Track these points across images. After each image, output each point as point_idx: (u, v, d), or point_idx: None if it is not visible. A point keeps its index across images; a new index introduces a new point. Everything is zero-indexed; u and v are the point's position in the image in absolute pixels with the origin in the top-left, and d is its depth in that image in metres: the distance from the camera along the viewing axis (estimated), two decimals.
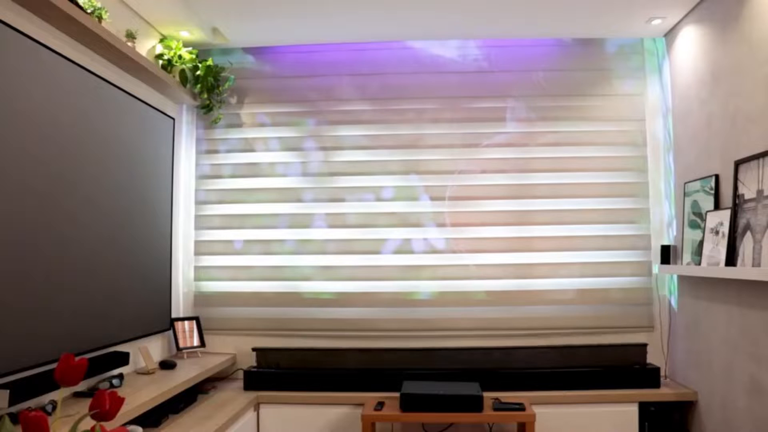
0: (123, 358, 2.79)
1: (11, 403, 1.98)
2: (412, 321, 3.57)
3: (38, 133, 2.29)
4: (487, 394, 3.11)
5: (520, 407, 2.94)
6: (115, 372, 2.79)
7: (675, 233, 3.46)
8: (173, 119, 3.56)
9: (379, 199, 3.71)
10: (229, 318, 3.75)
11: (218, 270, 3.78)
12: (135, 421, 2.38)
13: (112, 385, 2.64)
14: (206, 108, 3.68)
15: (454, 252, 3.65)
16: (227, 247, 3.78)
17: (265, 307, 3.69)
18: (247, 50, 3.82)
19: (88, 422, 1.22)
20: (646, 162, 3.65)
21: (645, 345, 3.35)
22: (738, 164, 2.71)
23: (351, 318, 3.59)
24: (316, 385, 3.32)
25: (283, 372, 3.34)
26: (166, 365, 3.17)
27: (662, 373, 3.42)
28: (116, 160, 2.88)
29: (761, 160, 2.53)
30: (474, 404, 2.93)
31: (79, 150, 2.57)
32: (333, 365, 3.39)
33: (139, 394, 2.55)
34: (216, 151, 3.83)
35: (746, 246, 2.59)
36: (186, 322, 3.57)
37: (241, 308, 3.74)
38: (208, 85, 3.57)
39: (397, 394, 3.11)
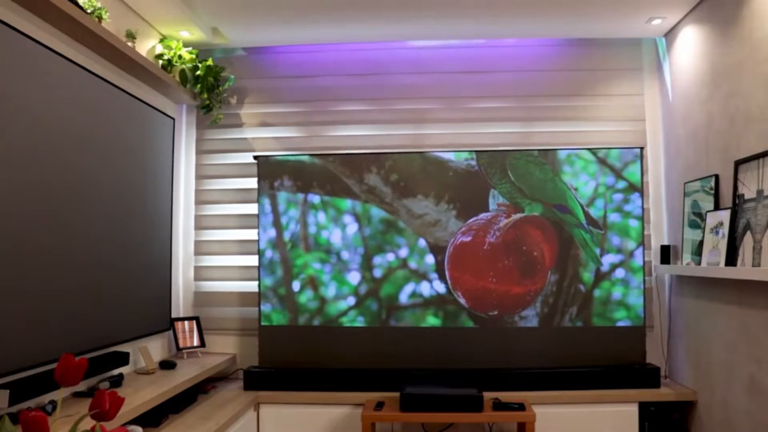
0: (123, 358, 2.79)
1: (11, 403, 1.98)
2: None
3: (38, 133, 2.29)
4: (487, 394, 3.11)
5: (520, 407, 2.94)
6: (115, 372, 2.78)
7: (675, 233, 3.46)
8: (173, 119, 3.56)
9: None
10: (229, 318, 3.75)
11: (218, 270, 3.78)
12: (135, 421, 2.38)
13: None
14: (206, 108, 3.67)
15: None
16: (227, 247, 3.78)
17: None
18: (247, 50, 3.82)
19: (88, 422, 1.22)
20: (647, 162, 3.65)
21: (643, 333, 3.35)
22: (738, 164, 2.71)
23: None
24: (316, 385, 3.32)
25: (283, 371, 3.35)
26: (166, 365, 3.17)
27: (662, 373, 3.42)
28: (116, 160, 2.88)
29: (761, 160, 2.53)
30: (474, 404, 2.93)
31: (79, 150, 2.57)
32: (333, 364, 3.40)
33: (139, 394, 2.55)
34: (216, 151, 3.83)
35: (746, 246, 2.59)
36: (186, 322, 3.57)
37: (241, 308, 3.74)
38: (208, 85, 3.57)
39: (397, 394, 3.11)
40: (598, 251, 3.42)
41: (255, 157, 3.56)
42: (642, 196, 3.45)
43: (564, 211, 3.44)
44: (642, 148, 3.45)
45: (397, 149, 3.67)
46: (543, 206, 3.43)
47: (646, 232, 3.60)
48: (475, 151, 3.48)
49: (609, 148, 3.44)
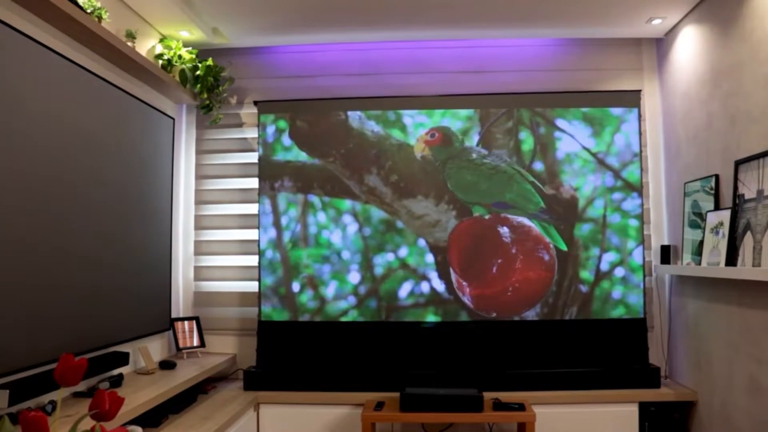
0: (123, 358, 2.79)
1: (11, 403, 1.98)
2: None
3: (38, 133, 2.29)
4: (487, 394, 3.10)
5: (520, 407, 2.94)
6: (115, 372, 2.78)
7: (675, 233, 3.46)
8: (173, 119, 3.56)
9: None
10: (228, 318, 3.75)
11: (218, 270, 3.78)
12: (135, 421, 2.38)
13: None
14: (206, 108, 3.67)
15: None
16: (227, 247, 3.78)
17: None
18: (247, 50, 3.82)
19: (88, 422, 1.22)
20: (647, 162, 3.65)
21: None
22: (738, 164, 2.71)
23: None
24: (316, 385, 3.32)
25: (283, 371, 3.35)
26: (166, 365, 3.16)
27: (662, 373, 3.42)
28: (116, 160, 2.88)
29: (761, 160, 2.53)
30: (474, 404, 2.93)
31: (79, 150, 2.57)
32: (333, 363, 3.40)
33: (139, 394, 2.55)
34: (216, 151, 3.83)
35: (746, 246, 2.59)
36: (186, 322, 3.57)
37: (240, 308, 3.74)
38: (208, 85, 3.56)
39: (397, 394, 3.11)
40: (570, 241, 3.45)
41: (255, 103, 3.65)
42: (641, 195, 3.46)
43: (503, 207, 3.46)
44: (639, 91, 3.56)
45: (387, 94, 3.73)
46: (483, 207, 3.47)
47: (646, 232, 3.60)
48: (478, 95, 3.60)
49: (605, 92, 3.56)
